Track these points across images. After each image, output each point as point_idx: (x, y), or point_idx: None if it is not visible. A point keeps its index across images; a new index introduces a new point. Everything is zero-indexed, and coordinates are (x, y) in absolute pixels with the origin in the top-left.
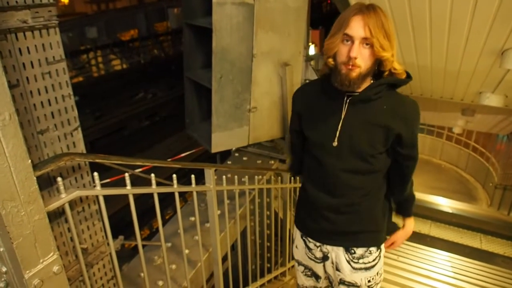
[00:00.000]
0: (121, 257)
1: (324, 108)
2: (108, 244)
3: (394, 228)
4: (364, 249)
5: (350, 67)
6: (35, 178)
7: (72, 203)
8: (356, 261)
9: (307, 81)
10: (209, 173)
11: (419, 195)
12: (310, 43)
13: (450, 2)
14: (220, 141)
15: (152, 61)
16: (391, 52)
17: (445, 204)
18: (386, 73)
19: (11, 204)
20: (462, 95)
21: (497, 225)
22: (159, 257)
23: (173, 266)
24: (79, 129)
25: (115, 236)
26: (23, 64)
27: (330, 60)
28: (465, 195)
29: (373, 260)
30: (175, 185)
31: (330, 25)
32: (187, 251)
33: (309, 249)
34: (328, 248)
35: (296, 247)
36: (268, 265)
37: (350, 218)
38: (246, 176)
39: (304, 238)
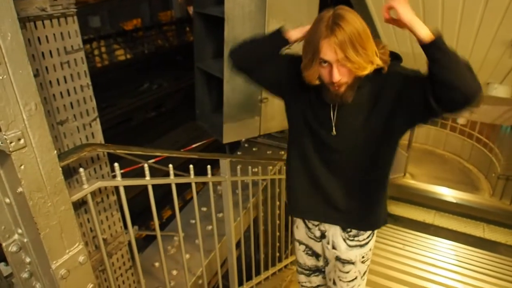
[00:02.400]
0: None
1: (314, 110)
2: (127, 233)
3: (385, 220)
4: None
5: (337, 87)
6: (60, 169)
7: (92, 194)
8: (351, 239)
9: None
10: (224, 163)
11: (423, 186)
12: None
13: None
14: (231, 132)
15: (157, 51)
16: (369, 65)
17: (449, 194)
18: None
19: (38, 195)
20: None
21: (499, 215)
22: (172, 247)
23: (187, 256)
24: (98, 119)
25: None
26: (42, 53)
27: (316, 82)
28: (468, 185)
29: (367, 237)
30: (192, 176)
31: None
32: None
33: (309, 228)
34: (326, 226)
35: (297, 227)
36: (278, 254)
37: (348, 194)
38: (259, 167)
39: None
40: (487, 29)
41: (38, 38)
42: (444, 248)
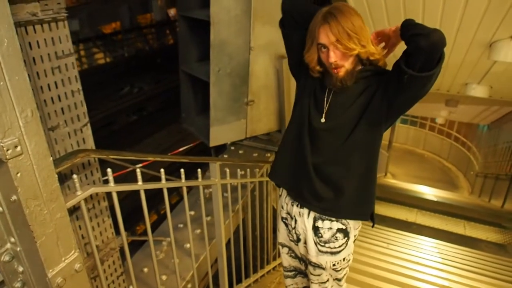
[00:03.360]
0: (120, 253)
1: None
2: (121, 238)
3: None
4: (331, 234)
5: (336, 70)
6: (56, 175)
7: (85, 200)
8: (322, 244)
9: None
10: (214, 167)
11: (405, 185)
12: None
13: None
14: (218, 135)
15: (137, 54)
16: (358, 47)
17: (430, 192)
18: (365, 61)
19: (35, 202)
20: (448, 86)
21: (479, 212)
22: (161, 252)
23: (176, 260)
24: (88, 125)
25: (117, 232)
26: (33, 58)
27: (318, 68)
28: (448, 184)
29: (339, 247)
30: (183, 180)
31: None
32: (188, 245)
33: (289, 231)
34: (299, 230)
35: (279, 230)
36: (266, 256)
37: (327, 180)
38: (248, 169)
39: (284, 220)
40: (466, 31)
41: (29, 44)
42: (428, 246)
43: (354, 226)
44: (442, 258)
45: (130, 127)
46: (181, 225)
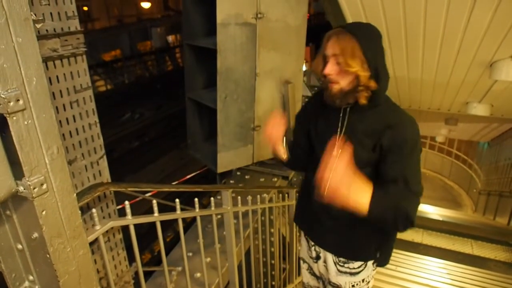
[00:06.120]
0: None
1: (326, 118)
2: (135, 272)
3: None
4: None
5: (331, 83)
6: (79, 211)
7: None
8: (341, 264)
9: (303, 96)
10: (227, 194)
11: None
12: None
13: (444, 18)
14: (225, 161)
15: (137, 81)
16: (357, 68)
17: (434, 212)
18: (361, 88)
19: (58, 240)
20: (449, 105)
21: (485, 231)
22: (171, 282)
23: None
24: (105, 157)
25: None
26: (53, 93)
27: (321, 75)
28: (450, 202)
29: (358, 267)
30: (197, 209)
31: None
32: (199, 274)
33: (309, 247)
34: (319, 248)
35: (300, 245)
36: (273, 282)
37: (338, 224)
38: (258, 196)
39: (306, 236)
40: (467, 51)
41: (49, 79)
42: (436, 267)
43: None
44: (451, 279)
45: (132, 154)
46: (190, 254)
